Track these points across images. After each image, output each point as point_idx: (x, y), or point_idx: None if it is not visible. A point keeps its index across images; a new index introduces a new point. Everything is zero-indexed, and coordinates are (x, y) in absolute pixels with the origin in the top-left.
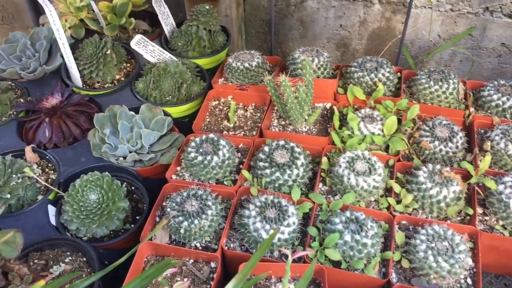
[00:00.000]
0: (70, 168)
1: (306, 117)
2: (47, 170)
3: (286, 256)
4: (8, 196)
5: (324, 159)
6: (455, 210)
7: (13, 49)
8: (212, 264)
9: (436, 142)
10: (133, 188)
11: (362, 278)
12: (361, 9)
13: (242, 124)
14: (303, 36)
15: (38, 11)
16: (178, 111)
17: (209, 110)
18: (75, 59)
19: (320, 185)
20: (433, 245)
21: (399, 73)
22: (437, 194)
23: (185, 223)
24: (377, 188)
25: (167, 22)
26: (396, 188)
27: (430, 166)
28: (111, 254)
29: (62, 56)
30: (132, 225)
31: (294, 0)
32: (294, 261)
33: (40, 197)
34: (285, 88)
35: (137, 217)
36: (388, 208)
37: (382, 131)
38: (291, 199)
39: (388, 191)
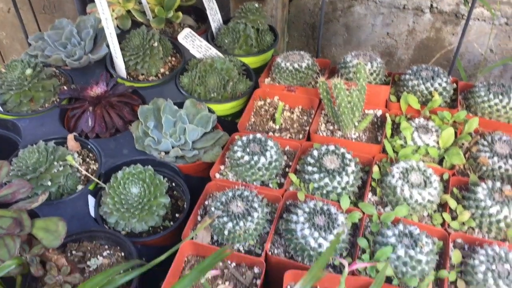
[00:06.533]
0: (112, 160)
1: (356, 123)
2: (87, 160)
3: (333, 267)
4: (49, 183)
5: (375, 168)
6: None
7: (58, 36)
8: (256, 270)
9: (495, 158)
10: (173, 184)
11: None
12: (410, 18)
13: (288, 127)
14: (347, 42)
15: (84, 0)
16: (222, 108)
17: (254, 110)
18: (121, 49)
19: (370, 194)
20: (493, 267)
21: (454, 84)
22: (497, 213)
23: (230, 224)
24: (431, 203)
25: (214, 18)
26: (452, 204)
27: (490, 183)
28: (148, 251)
29: (107, 46)
30: (171, 223)
31: (341, 5)
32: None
33: (80, 187)
34: (339, 91)
35: (177, 215)
36: (443, 224)
37: (437, 143)
38: (340, 207)
39: (442, 206)
